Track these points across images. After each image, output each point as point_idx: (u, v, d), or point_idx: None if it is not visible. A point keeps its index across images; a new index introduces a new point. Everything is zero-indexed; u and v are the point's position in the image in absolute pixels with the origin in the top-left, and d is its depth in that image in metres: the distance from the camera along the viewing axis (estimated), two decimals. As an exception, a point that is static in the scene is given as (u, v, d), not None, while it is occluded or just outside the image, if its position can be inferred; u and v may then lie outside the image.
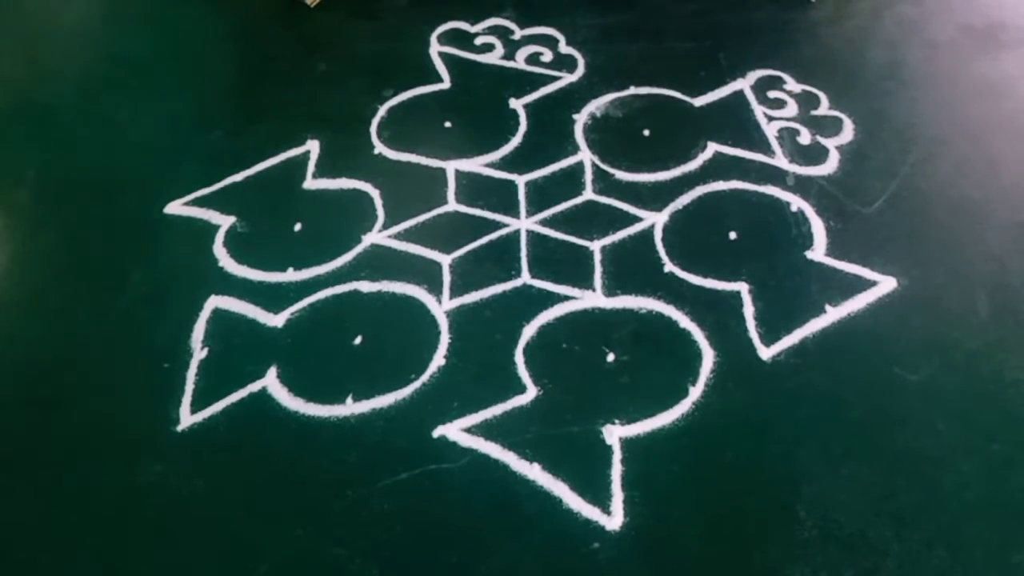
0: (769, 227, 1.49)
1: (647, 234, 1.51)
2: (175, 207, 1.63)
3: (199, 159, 1.72)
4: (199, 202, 1.63)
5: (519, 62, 1.84)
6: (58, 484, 1.27)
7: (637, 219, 1.54)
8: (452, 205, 1.59)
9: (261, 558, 1.17)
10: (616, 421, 1.27)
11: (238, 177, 1.67)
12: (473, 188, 1.61)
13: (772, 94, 1.72)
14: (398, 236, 1.55)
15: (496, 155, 1.66)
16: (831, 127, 1.65)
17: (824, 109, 1.68)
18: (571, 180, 1.61)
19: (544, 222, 1.54)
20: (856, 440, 1.23)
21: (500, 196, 1.59)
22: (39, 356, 1.44)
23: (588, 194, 1.58)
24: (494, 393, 1.31)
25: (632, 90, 1.75)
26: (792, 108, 1.69)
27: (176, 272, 1.53)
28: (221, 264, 1.53)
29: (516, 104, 1.75)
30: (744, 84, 1.74)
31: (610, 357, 1.35)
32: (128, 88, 1.90)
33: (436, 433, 1.27)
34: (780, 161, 1.59)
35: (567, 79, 1.79)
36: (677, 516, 1.18)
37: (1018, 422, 1.23)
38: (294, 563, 1.17)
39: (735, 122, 1.67)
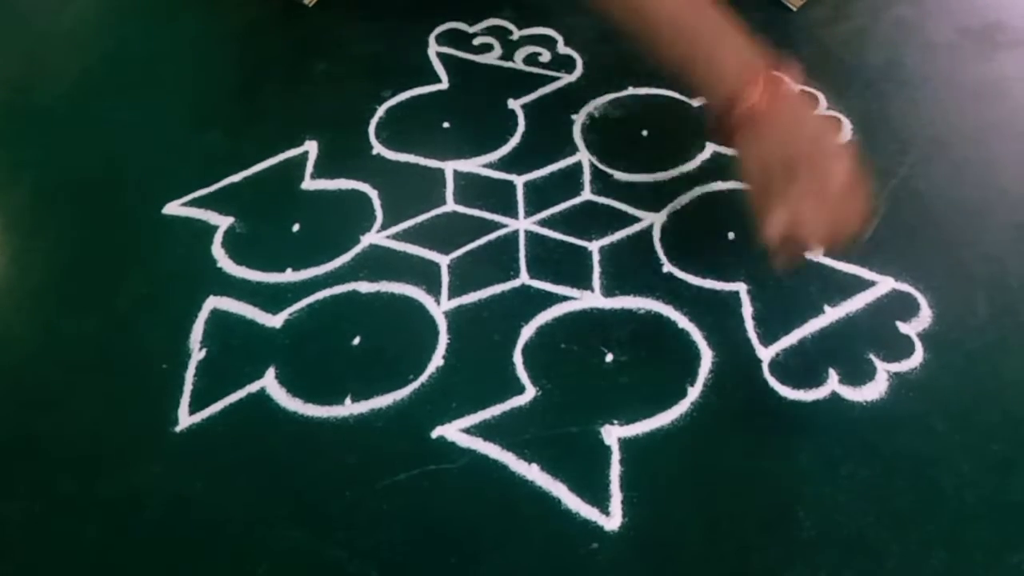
0: (768, 227, 1.49)
1: (645, 234, 1.51)
2: (173, 208, 1.62)
3: (197, 160, 1.71)
4: (197, 203, 1.63)
5: (517, 62, 1.83)
6: (55, 485, 1.26)
7: (635, 219, 1.53)
8: (450, 205, 1.58)
9: (259, 559, 1.16)
10: (615, 421, 1.26)
11: (236, 178, 1.66)
12: (471, 188, 1.60)
13: (770, 95, 1.71)
14: (397, 237, 1.54)
15: (494, 155, 1.66)
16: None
17: (822, 110, 1.68)
18: (569, 180, 1.60)
19: (542, 222, 1.54)
20: (855, 440, 1.22)
21: (498, 196, 1.59)
22: (36, 357, 1.43)
23: (586, 194, 1.58)
24: (493, 393, 1.30)
25: (630, 90, 1.74)
26: (790, 109, 1.68)
27: (174, 273, 1.53)
28: (219, 265, 1.52)
29: (514, 104, 1.74)
30: (743, 85, 1.73)
31: (608, 357, 1.34)
32: (125, 88, 1.89)
33: (435, 434, 1.27)
34: (779, 162, 1.58)
35: (565, 79, 1.78)
36: (676, 516, 1.17)
37: (1018, 422, 1.22)
38: (292, 564, 1.16)
39: (734, 123, 1.66)
